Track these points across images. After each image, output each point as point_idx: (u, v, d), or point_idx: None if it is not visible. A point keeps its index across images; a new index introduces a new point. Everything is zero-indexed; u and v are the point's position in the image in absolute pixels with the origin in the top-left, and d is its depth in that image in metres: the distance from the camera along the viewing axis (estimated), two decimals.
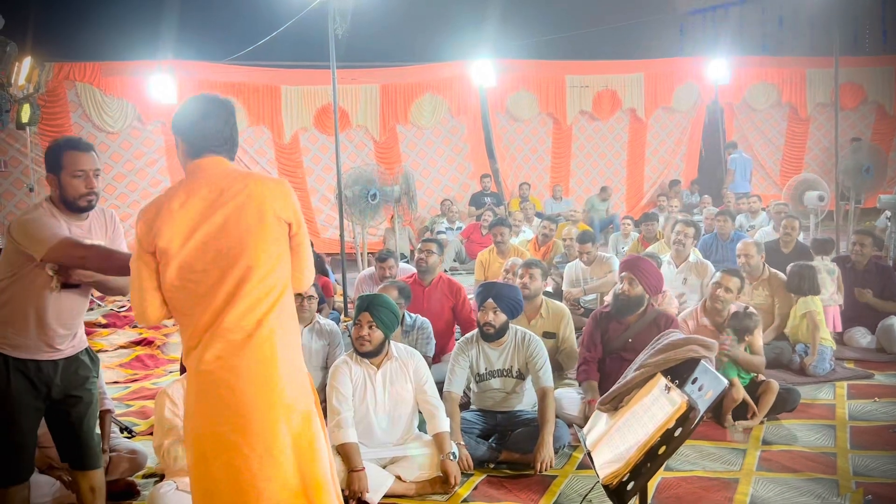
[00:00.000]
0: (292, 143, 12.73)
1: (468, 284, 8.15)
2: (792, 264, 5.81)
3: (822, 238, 6.62)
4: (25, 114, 8.38)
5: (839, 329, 6.11)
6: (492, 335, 4.25)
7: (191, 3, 14.58)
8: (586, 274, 6.90)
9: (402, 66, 13.35)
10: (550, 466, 3.90)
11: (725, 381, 2.33)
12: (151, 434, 4.29)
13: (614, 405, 2.75)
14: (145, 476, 4.01)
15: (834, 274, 6.15)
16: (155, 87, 11.52)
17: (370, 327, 3.80)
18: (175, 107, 12.46)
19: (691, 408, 2.28)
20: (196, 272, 2.35)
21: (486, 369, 4.31)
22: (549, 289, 6.84)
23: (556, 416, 4.22)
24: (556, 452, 3.99)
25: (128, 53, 12.17)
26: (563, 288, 7.02)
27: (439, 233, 11.86)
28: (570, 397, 4.63)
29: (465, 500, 3.68)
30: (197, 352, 2.35)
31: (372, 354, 3.84)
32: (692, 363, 2.56)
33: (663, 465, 2.72)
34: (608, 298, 5.37)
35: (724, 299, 4.92)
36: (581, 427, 4.44)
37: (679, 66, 14.54)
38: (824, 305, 5.98)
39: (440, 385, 4.15)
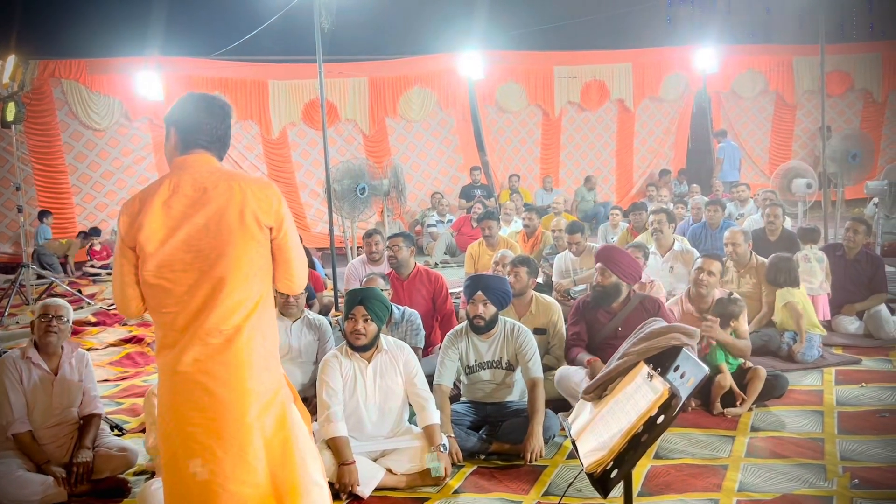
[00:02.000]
0: (281, 139, 12.69)
1: (459, 277, 8.17)
2: (771, 256, 5.83)
3: (809, 227, 6.63)
4: (10, 112, 8.31)
5: (828, 317, 6.14)
6: (482, 327, 4.26)
7: None
8: (576, 265, 6.90)
9: (390, 59, 13.34)
10: (540, 456, 3.92)
11: (706, 369, 2.35)
12: (142, 431, 4.31)
13: (598, 394, 2.76)
14: (136, 473, 4.01)
15: (822, 262, 6.17)
16: (141, 83, 11.46)
17: (365, 321, 3.81)
18: (162, 103, 12.36)
19: (673, 395, 2.29)
20: (175, 272, 2.34)
21: (475, 361, 4.33)
22: (540, 280, 6.85)
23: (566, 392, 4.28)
24: (545, 442, 4.01)
25: (114, 50, 12.10)
26: (553, 279, 7.02)
27: (430, 226, 11.87)
28: (574, 372, 4.57)
29: (455, 492, 3.69)
30: (174, 352, 2.34)
31: (366, 348, 3.86)
32: (674, 351, 2.58)
33: (647, 453, 2.74)
34: None
35: (708, 283, 4.96)
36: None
37: (667, 55, 14.54)
38: (813, 294, 6.01)
39: (430, 377, 4.17)
